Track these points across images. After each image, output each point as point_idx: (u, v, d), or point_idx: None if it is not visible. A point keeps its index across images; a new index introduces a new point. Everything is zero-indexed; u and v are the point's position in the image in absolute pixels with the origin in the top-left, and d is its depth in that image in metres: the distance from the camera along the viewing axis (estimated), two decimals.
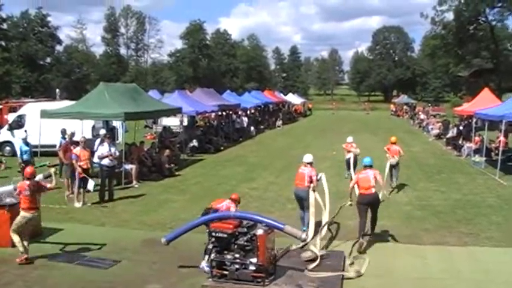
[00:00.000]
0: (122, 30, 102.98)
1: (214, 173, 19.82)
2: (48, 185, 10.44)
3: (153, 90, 51.66)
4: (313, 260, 9.20)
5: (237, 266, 8.35)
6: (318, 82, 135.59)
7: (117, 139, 21.66)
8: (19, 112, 25.94)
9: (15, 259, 9.58)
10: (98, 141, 16.99)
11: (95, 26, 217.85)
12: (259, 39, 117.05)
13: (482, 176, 19.29)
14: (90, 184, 14.32)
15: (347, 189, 14.15)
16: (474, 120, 25.48)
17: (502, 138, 21.27)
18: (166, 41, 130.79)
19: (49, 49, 78.79)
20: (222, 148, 27.51)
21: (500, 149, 20.31)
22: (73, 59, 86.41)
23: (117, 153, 15.76)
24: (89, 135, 19.89)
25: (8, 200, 10.51)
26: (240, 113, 37.77)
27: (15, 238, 9.54)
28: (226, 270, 8.41)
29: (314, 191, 11.09)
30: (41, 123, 17.86)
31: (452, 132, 30.69)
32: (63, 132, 17.83)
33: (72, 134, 17.10)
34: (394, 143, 17.39)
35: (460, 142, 27.03)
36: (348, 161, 17.15)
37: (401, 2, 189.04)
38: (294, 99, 64.83)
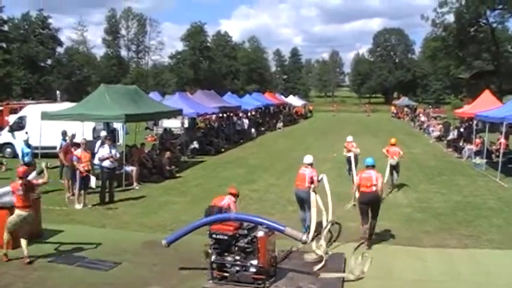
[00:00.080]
0: (123, 32, 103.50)
1: (214, 175, 19.82)
2: (40, 181, 10.58)
3: (153, 92, 51.82)
4: (318, 261, 9.23)
5: (237, 268, 8.35)
6: (318, 84, 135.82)
7: (118, 141, 21.68)
8: (20, 114, 25.96)
9: (15, 260, 9.61)
10: (98, 143, 17.00)
11: (95, 28, 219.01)
12: (260, 41, 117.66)
13: (483, 178, 19.27)
14: (93, 181, 14.38)
15: (348, 191, 14.31)
16: (475, 122, 25.46)
17: (502, 140, 21.26)
18: (167, 43, 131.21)
19: (50, 51, 78.89)
20: (222, 150, 27.51)
21: (501, 151, 20.27)
22: (74, 61, 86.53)
23: (118, 155, 15.77)
24: (89, 137, 19.90)
25: (8, 200, 10.50)
26: (240, 115, 37.80)
27: (6, 236, 9.64)
28: (226, 272, 8.41)
29: (315, 192, 11.10)
30: (42, 125, 17.86)
31: (453, 134, 30.66)
32: (64, 134, 17.83)
33: (73, 136, 17.12)
34: (393, 145, 17.53)
35: (460, 144, 27.03)
36: (348, 160, 17.22)
37: (401, 4, 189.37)
38: (294, 101, 64.84)
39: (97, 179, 15.40)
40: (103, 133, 18.09)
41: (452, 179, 19.28)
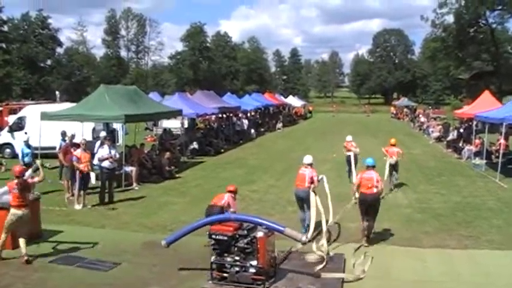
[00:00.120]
0: (123, 32, 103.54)
1: (214, 176, 19.82)
2: (36, 179, 10.63)
3: (153, 93, 51.87)
4: (319, 262, 9.25)
5: (237, 269, 8.36)
6: (318, 84, 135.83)
7: (118, 141, 21.64)
8: (19, 114, 25.95)
9: (15, 261, 9.61)
10: (98, 143, 17.00)
11: (95, 28, 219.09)
12: (260, 42, 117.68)
13: (482, 179, 19.27)
14: (92, 177, 14.41)
15: (348, 191, 14.31)
16: (474, 122, 25.47)
17: (502, 140, 21.25)
18: (167, 43, 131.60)
19: (50, 51, 78.79)
20: (222, 150, 27.51)
21: (501, 151, 20.29)
22: (73, 61, 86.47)
23: (117, 156, 15.76)
24: (89, 138, 19.90)
25: (7, 200, 10.48)
26: (240, 115, 37.80)
27: (3, 236, 9.68)
28: (226, 272, 8.41)
29: (315, 192, 11.11)
30: (41, 125, 17.85)
31: (452, 135, 30.67)
32: (63, 134, 17.84)
33: (73, 136, 17.13)
34: (393, 145, 17.63)
35: (460, 145, 27.04)
36: (348, 159, 17.28)
37: (401, 5, 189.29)
38: (294, 101, 64.85)
39: (96, 179, 15.45)
40: (102, 133, 18.09)
41: (451, 179, 19.28)
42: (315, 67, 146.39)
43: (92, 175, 14.49)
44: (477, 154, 23.15)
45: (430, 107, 64.09)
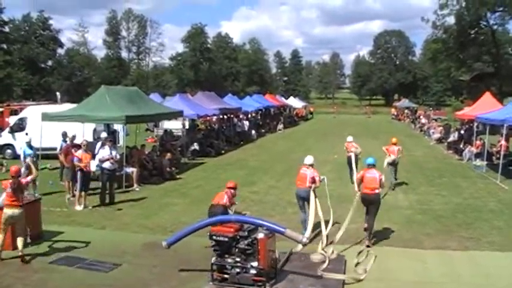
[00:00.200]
0: (124, 33, 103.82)
1: (215, 177, 19.80)
2: (29, 178, 10.70)
3: (154, 94, 51.82)
4: (323, 262, 9.30)
5: (237, 270, 8.36)
6: (319, 86, 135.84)
7: (118, 142, 21.66)
8: (20, 115, 25.99)
9: (15, 262, 9.62)
10: (99, 144, 17.01)
11: (96, 29, 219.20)
12: (261, 43, 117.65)
13: (483, 180, 19.27)
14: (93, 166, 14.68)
15: (349, 193, 14.42)
16: (475, 124, 25.49)
17: (503, 142, 21.24)
18: (168, 44, 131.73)
19: (50, 52, 78.97)
20: (223, 152, 27.52)
21: (502, 153, 20.28)
22: (74, 62, 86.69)
23: (118, 157, 15.77)
24: (90, 139, 19.90)
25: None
26: (241, 116, 37.83)
27: (0, 236, 9.72)
28: (227, 273, 8.41)
29: (315, 193, 11.14)
30: (42, 126, 17.86)
31: (453, 136, 30.67)
32: (64, 135, 17.85)
33: (73, 137, 17.14)
34: (394, 144, 17.92)
35: (461, 146, 27.03)
36: (349, 160, 17.38)
37: (402, 7, 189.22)
38: (295, 103, 64.88)
39: (97, 180, 15.46)
40: (103, 134, 18.08)
41: (452, 181, 19.28)
42: (315, 68, 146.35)
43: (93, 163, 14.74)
44: (478, 155, 23.14)
45: (430, 109, 64.15)
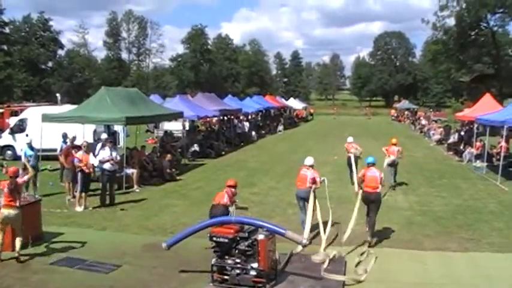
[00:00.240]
0: (124, 34, 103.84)
1: (215, 178, 19.79)
2: (26, 177, 10.68)
3: (154, 95, 51.80)
4: (323, 262, 9.36)
5: (238, 271, 8.36)
6: (319, 87, 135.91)
7: (119, 143, 21.67)
8: (21, 116, 26.00)
9: (15, 263, 9.64)
10: (99, 145, 17.01)
11: (96, 31, 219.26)
12: (261, 44, 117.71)
13: (483, 182, 19.28)
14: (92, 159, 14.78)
15: (349, 194, 14.47)
16: (475, 125, 25.50)
17: (503, 143, 21.27)
18: (168, 45, 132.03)
19: (51, 53, 79.00)
20: (223, 153, 27.52)
21: (502, 154, 20.30)
22: (75, 64, 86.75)
23: (118, 158, 15.78)
24: (90, 140, 19.90)
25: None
26: (241, 117, 37.87)
27: None
28: (227, 275, 8.41)
29: (315, 194, 11.17)
30: (43, 127, 17.86)
31: (453, 138, 30.70)
32: (64, 136, 17.86)
33: (74, 138, 17.16)
34: (394, 144, 18.05)
35: (461, 147, 27.04)
36: (349, 161, 17.49)
37: (402, 8, 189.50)
38: (295, 104, 64.98)
39: (97, 181, 15.47)
40: (104, 135, 18.09)
41: (452, 182, 19.28)
42: (316, 70, 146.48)
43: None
44: (478, 157, 23.16)
45: (431, 110, 64.22)
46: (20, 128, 24.24)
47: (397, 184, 17.85)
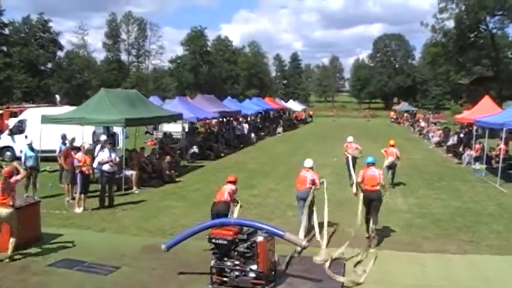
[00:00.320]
0: (123, 36, 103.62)
1: (214, 180, 19.73)
2: (19, 176, 10.66)
3: (154, 97, 51.82)
4: (325, 261, 9.46)
5: (237, 273, 8.36)
6: (318, 89, 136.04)
7: (118, 145, 21.66)
8: (20, 117, 25.98)
9: (15, 264, 9.65)
10: (98, 147, 17.00)
11: (96, 32, 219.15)
12: (260, 46, 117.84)
13: (482, 184, 19.28)
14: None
15: (347, 196, 14.50)
16: (475, 128, 25.49)
17: (502, 146, 21.26)
18: (168, 47, 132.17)
19: (50, 54, 78.90)
20: (222, 155, 27.52)
21: (501, 156, 20.30)
22: (74, 65, 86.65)
23: (118, 159, 15.76)
24: (89, 141, 19.89)
25: None
26: (240, 119, 37.85)
27: None
28: (226, 277, 8.41)
29: (314, 195, 11.23)
30: (42, 128, 17.85)
31: (452, 140, 30.71)
32: (64, 137, 17.86)
33: (73, 140, 17.15)
34: (392, 146, 18.35)
35: (460, 150, 27.06)
36: (347, 161, 17.61)
37: (401, 10, 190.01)
38: (294, 106, 64.98)
39: (97, 182, 15.45)
40: (103, 137, 18.07)
41: (452, 184, 19.28)
42: (315, 72, 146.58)
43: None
44: (477, 159, 23.16)
45: (430, 112, 64.25)
46: (19, 129, 24.22)
47: (395, 185, 17.91)
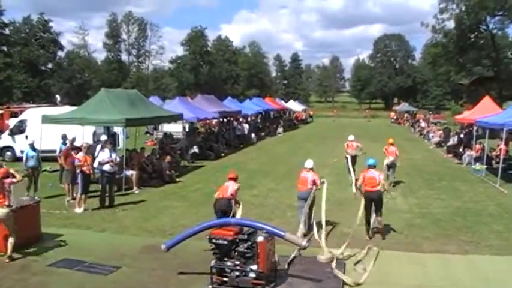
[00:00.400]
0: (124, 36, 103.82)
1: (214, 180, 19.73)
2: (14, 179, 10.62)
3: (154, 97, 51.82)
4: (330, 261, 9.53)
5: (237, 273, 8.35)
6: (319, 89, 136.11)
7: (118, 145, 21.68)
8: (20, 117, 25.98)
9: (14, 264, 9.66)
10: (99, 147, 17.00)
11: (96, 32, 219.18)
12: (261, 46, 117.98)
13: (482, 184, 19.27)
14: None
15: (347, 196, 14.51)
16: (475, 128, 25.48)
17: (502, 146, 21.27)
18: (168, 47, 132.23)
19: (51, 55, 78.85)
20: (222, 155, 27.52)
21: (501, 157, 20.28)
22: (74, 65, 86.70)
23: (118, 159, 15.76)
24: (89, 141, 19.89)
25: None
26: (241, 119, 37.85)
27: None
28: (226, 277, 8.41)
29: (314, 195, 11.28)
30: (42, 128, 17.86)
31: (453, 140, 30.68)
32: (64, 137, 17.86)
33: (73, 140, 17.15)
34: (392, 144, 18.71)
35: (460, 150, 27.04)
36: (347, 162, 17.71)
37: (402, 10, 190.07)
38: (295, 106, 64.98)
39: (97, 183, 15.45)
40: (103, 137, 18.07)
41: (452, 184, 19.28)
42: (315, 72, 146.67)
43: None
44: (477, 159, 23.15)
45: (430, 112, 64.20)
46: (19, 129, 24.22)
47: (395, 184, 17.98)
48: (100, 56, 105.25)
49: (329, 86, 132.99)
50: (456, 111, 62.91)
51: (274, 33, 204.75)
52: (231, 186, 11.15)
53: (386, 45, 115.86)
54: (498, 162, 20.75)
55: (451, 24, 57.74)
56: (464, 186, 18.97)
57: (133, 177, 17.32)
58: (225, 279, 8.40)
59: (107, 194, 14.90)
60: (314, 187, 11.61)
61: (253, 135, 36.84)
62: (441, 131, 36.66)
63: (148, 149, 23.20)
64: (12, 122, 26.64)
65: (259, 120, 45.69)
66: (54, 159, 18.09)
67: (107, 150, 15.34)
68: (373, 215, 11.70)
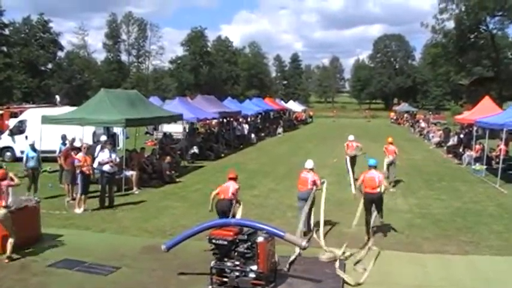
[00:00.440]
0: (124, 36, 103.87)
1: (214, 180, 19.69)
2: (12, 183, 10.58)
3: (154, 97, 51.80)
4: (332, 261, 9.58)
5: (237, 274, 8.34)
6: (318, 90, 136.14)
7: (118, 145, 21.68)
8: (20, 118, 25.97)
9: (14, 264, 9.67)
10: (98, 147, 17.00)
11: (96, 32, 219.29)
12: (261, 47, 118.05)
13: (482, 185, 19.27)
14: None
15: (347, 196, 14.51)
16: (475, 128, 25.48)
17: (502, 146, 21.28)
18: (168, 47, 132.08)
19: (50, 55, 78.83)
20: (222, 155, 27.51)
21: (501, 157, 20.29)
22: (74, 65, 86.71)
23: (118, 160, 15.76)
24: (89, 142, 19.89)
25: None
26: (240, 120, 37.85)
27: None
28: (226, 277, 8.40)
29: (314, 196, 11.28)
30: (42, 129, 17.85)
31: (453, 141, 30.68)
32: (64, 138, 17.85)
33: (73, 140, 17.14)
34: (391, 143, 18.96)
35: (460, 150, 27.04)
36: (346, 162, 17.76)
37: (402, 11, 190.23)
38: (294, 106, 64.98)
39: (97, 183, 15.44)
40: (103, 137, 18.07)
41: (452, 185, 19.27)
42: (315, 72, 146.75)
43: None
44: (477, 160, 23.14)
45: (430, 113, 64.23)
46: (19, 129, 24.21)
47: (395, 184, 18.00)
48: (100, 56, 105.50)
49: (329, 87, 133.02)
50: (456, 111, 62.93)
51: (274, 34, 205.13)
52: (231, 186, 11.16)
53: (386, 45, 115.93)
54: (498, 163, 20.76)
55: (450, 25, 57.84)
56: (464, 186, 18.98)
57: (133, 177, 17.32)
58: (225, 279, 8.39)
59: (106, 195, 14.89)
60: (314, 187, 11.61)
61: (253, 135, 36.84)
62: (441, 131, 36.66)
63: (148, 149, 23.20)
64: (12, 123, 26.63)
65: (259, 121, 45.69)
66: (54, 160, 18.09)
67: (106, 151, 15.34)
68: (373, 214, 11.68)
